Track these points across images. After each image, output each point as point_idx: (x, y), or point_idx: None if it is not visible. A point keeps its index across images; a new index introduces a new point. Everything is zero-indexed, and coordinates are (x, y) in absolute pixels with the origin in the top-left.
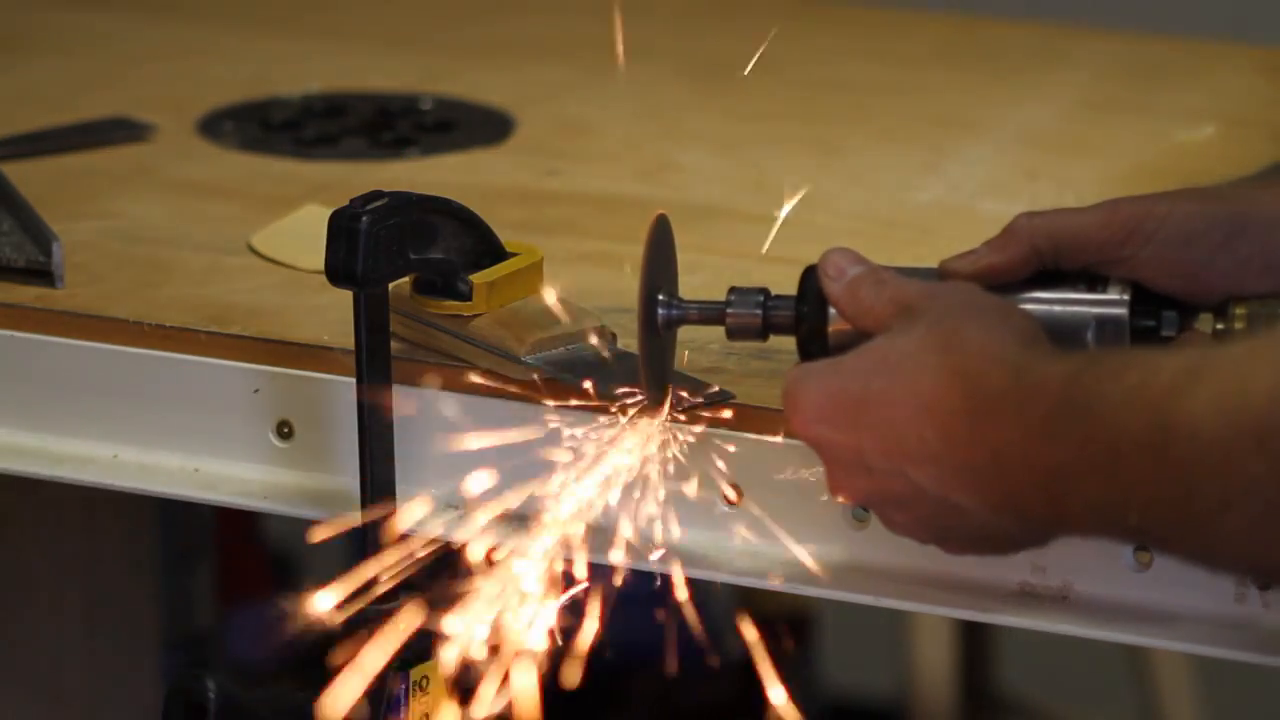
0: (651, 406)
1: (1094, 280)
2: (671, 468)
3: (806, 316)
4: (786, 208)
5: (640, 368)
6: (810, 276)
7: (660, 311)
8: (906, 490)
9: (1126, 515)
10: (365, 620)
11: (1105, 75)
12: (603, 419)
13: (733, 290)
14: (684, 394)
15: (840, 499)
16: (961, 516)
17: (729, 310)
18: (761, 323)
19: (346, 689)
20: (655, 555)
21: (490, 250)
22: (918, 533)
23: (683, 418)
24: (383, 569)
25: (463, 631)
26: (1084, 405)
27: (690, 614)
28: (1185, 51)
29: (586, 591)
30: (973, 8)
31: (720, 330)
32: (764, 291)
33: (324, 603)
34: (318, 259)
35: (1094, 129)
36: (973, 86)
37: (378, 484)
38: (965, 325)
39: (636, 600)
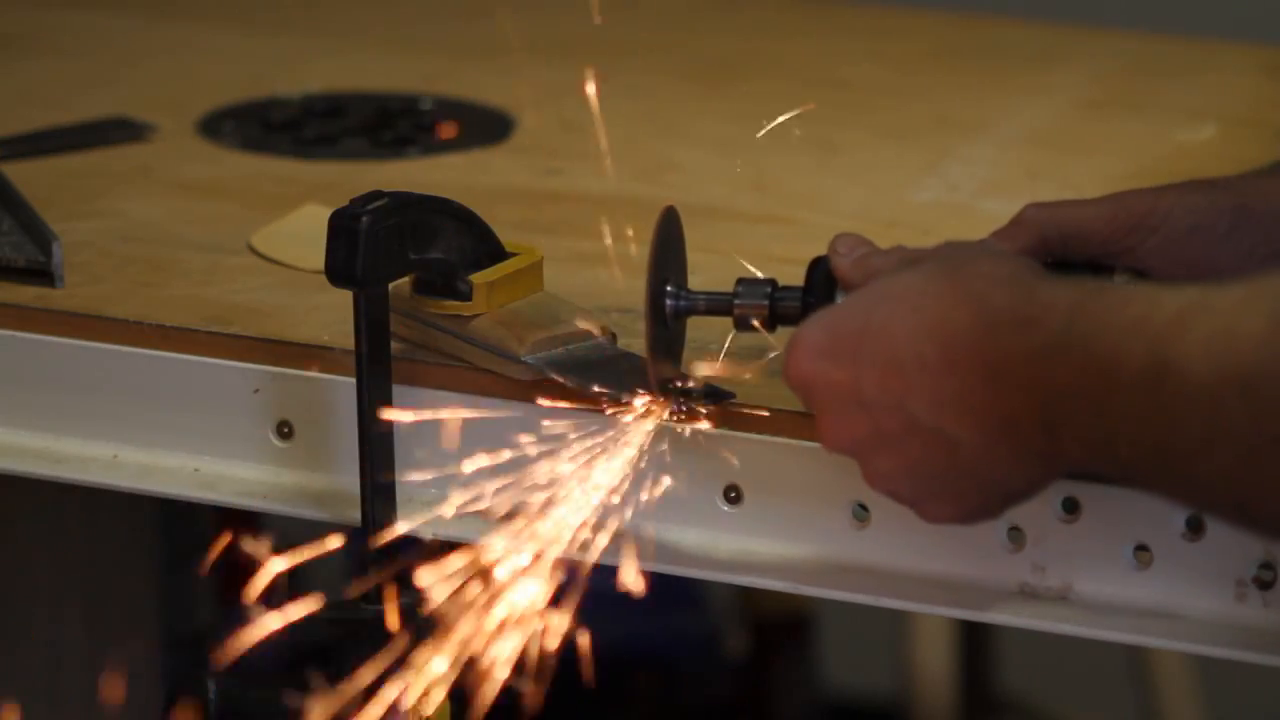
0: (658, 398)
1: (1100, 270)
2: (671, 467)
3: (813, 307)
4: None
5: (647, 358)
6: (817, 268)
7: (668, 302)
8: (899, 426)
9: (1117, 448)
10: (364, 620)
11: (1105, 75)
12: (602, 419)
13: (740, 281)
14: (684, 393)
15: (830, 446)
16: (953, 454)
17: (737, 301)
18: (769, 313)
19: (345, 689)
20: (655, 555)
21: (490, 250)
22: (902, 483)
23: (683, 417)
24: (382, 569)
25: (463, 631)
26: (1085, 332)
27: (690, 613)
28: (1186, 51)
29: (586, 591)
30: (973, 8)
31: (721, 331)
32: (771, 283)
33: (323, 603)
34: (318, 259)
35: (1094, 129)
36: (973, 86)
37: (378, 484)
38: (975, 258)
39: (636, 600)
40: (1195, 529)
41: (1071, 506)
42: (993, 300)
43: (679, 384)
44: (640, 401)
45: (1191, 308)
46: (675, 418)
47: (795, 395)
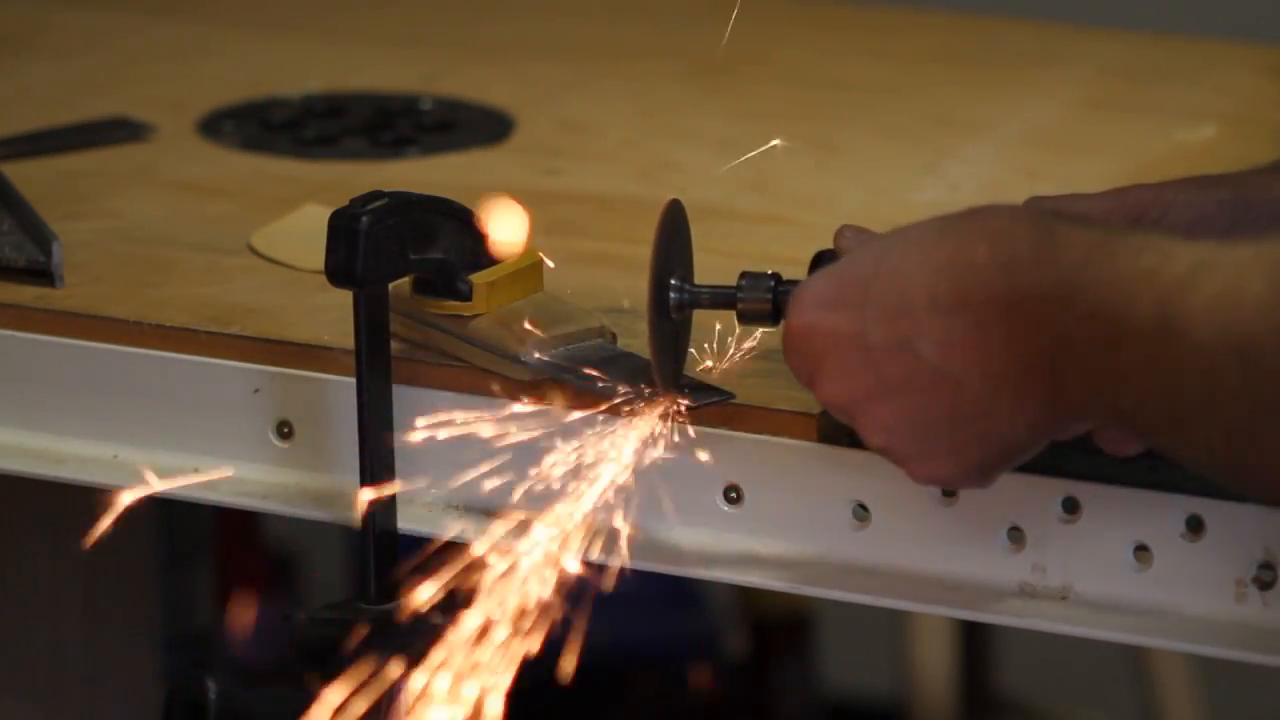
0: (662, 391)
1: None
2: (671, 467)
3: None
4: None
5: (650, 352)
6: (821, 261)
7: (672, 295)
8: (902, 370)
9: (1120, 398)
10: (364, 621)
11: (1106, 75)
12: (602, 419)
13: (744, 275)
14: (689, 388)
15: (827, 399)
16: (956, 398)
17: (740, 295)
18: (772, 307)
19: (345, 690)
20: (655, 555)
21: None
22: (900, 434)
23: (683, 417)
24: (381, 569)
25: (461, 631)
26: (1097, 277)
27: (690, 613)
28: (1186, 51)
29: (586, 591)
30: (973, 8)
31: (720, 332)
32: (775, 276)
33: (323, 603)
34: (318, 259)
35: (1095, 129)
36: (973, 86)
37: (378, 484)
38: (993, 206)
39: (637, 600)
40: (1195, 529)
41: (1071, 506)
42: (1014, 236)
43: (683, 379)
44: (641, 400)
45: (1200, 265)
46: (677, 414)
47: (791, 353)
